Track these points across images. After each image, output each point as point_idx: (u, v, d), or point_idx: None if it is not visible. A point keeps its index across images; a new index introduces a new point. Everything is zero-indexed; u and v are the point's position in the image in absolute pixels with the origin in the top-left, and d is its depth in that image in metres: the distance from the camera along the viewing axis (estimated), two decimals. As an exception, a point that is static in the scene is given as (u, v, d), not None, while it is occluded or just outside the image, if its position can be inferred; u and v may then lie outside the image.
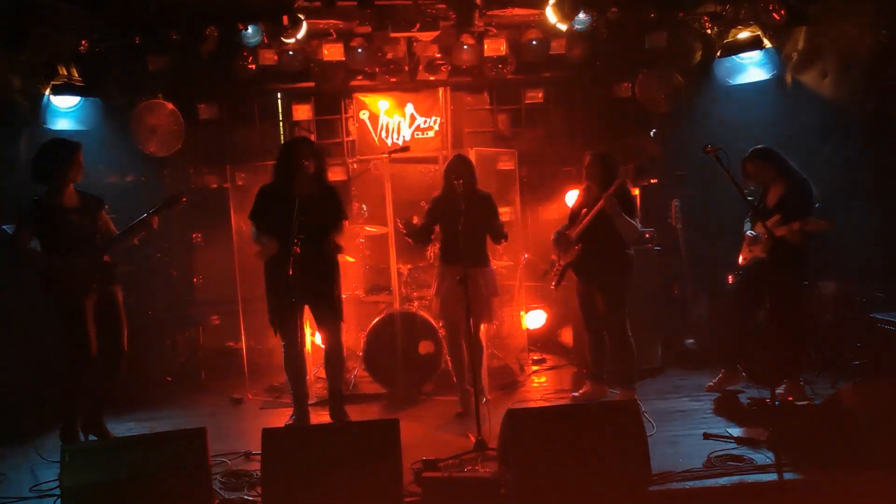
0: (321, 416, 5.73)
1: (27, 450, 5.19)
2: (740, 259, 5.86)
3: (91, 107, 6.95)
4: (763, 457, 4.49)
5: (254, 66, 7.10)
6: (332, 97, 7.89)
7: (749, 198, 5.12)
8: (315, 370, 6.38)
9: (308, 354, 6.16)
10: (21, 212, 4.92)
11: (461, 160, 5.69)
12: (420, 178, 7.58)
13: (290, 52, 7.10)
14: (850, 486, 4.13)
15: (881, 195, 6.28)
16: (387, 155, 6.56)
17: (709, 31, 7.17)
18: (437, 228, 5.80)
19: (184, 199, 5.27)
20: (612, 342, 5.73)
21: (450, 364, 5.94)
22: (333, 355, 5.47)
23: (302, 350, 5.44)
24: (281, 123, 7.98)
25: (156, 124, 7.08)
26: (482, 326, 5.80)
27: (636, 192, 7.22)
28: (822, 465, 4.28)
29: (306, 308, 5.44)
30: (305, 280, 5.03)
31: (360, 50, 7.17)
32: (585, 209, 5.69)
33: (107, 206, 5.31)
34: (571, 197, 7.15)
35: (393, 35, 6.99)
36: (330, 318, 5.39)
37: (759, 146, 5.69)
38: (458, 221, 5.23)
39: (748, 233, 5.79)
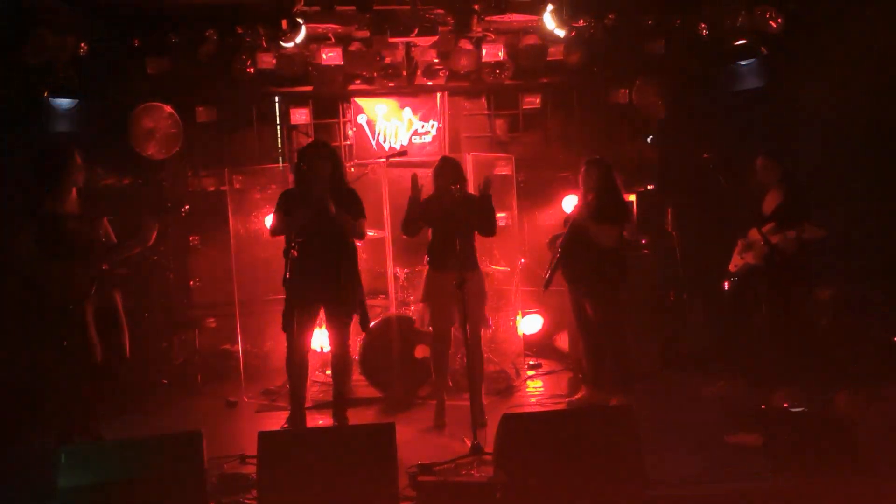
0: (317, 420, 5.72)
1: (23, 451, 5.19)
2: (731, 266, 5.89)
3: (89, 109, 6.95)
4: (759, 463, 4.50)
5: (252, 70, 7.10)
6: (330, 101, 7.91)
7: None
8: (312, 374, 6.38)
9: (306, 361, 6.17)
10: (22, 215, 4.91)
11: (453, 164, 5.61)
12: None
13: (289, 56, 7.10)
14: (846, 493, 4.14)
15: (877, 200, 6.30)
16: (384, 159, 6.58)
17: (706, 38, 7.20)
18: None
19: (185, 209, 5.28)
20: (607, 347, 5.74)
21: (433, 375, 5.83)
22: (339, 358, 5.46)
23: (305, 352, 5.41)
24: (279, 127, 7.99)
25: (154, 127, 7.09)
26: (480, 333, 5.77)
27: (631, 197, 7.25)
28: (818, 471, 4.29)
29: (321, 311, 5.43)
30: (318, 282, 5.05)
31: (357, 54, 7.19)
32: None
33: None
34: (568, 202, 7.18)
35: (391, 40, 6.99)
36: (339, 321, 5.38)
37: (771, 151, 5.74)
38: (452, 226, 5.23)
39: (740, 239, 5.82)
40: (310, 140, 7.49)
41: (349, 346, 5.50)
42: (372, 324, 6.39)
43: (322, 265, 5.16)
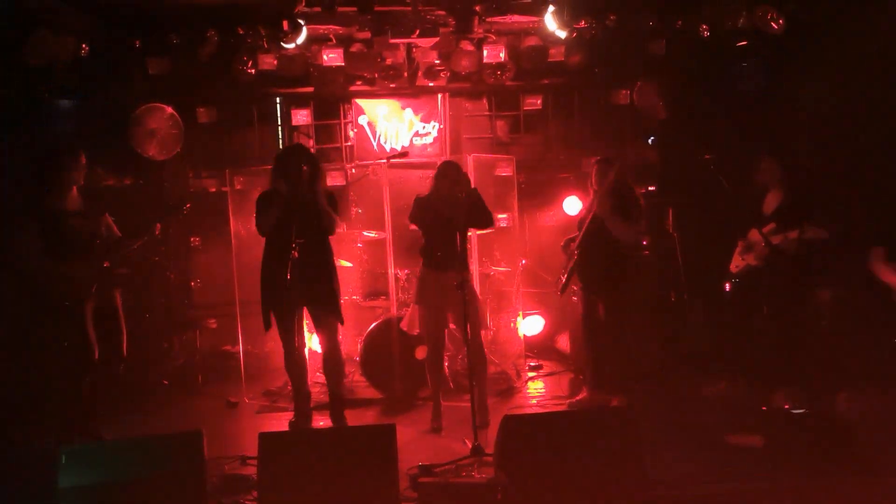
0: (318, 421, 5.72)
1: (23, 451, 5.20)
2: (732, 266, 5.88)
3: (89, 109, 6.95)
4: (759, 463, 4.50)
5: (253, 71, 7.09)
6: (332, 102, 7.90)
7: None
8: (312, 375, 6.38)
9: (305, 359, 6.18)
10: (23, 215, 4.91)
11: (457, 168, 5.57)
12: (418, 184, 7.57)
13: (290, 57, 7.10)
14: (846, 494, 4.14)
15: (878, 202, 6.30)
16: (385, 160, 6.58)
17: (707, 39, 7.19)
18: (416, 228, 5.73)
19: (187, 207, 5.30)
20: (610, 348, 5.74)
21: (428, 380, 5.78)
22: (331, 359, 5.48)
23: (302, 351, 5.46)
24: (280, 128, 7.99)
25: (155, 128, 7.09)
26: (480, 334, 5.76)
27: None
28: (818, 472, 4.30)
29: (305, 310, 5.45)
30: (302, 284, 5.05)
31: (358, 55, 7.19)
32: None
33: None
34: (569, 203, 7.18)
35: (392, 41, 7.00)
36: (327, 321, 5.40)
37: (774, 150, 5.72)
38: (453, 226, 5.23)
39: (740, 240, 5.82)
40: (310, 140, 7.52)
41: (339, 345, 5.52)
42: (373, 325, 6.41)
43: (309, 267, 5.15)
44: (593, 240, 5.61)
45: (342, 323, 5.52)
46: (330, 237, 5.40)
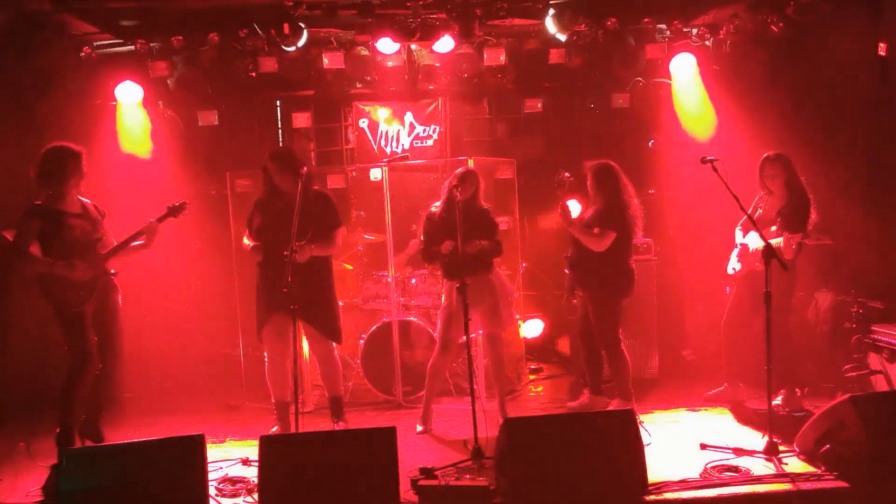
0: (319, 424, 5.73)
1: (21, 454, 5.20)
2: (730, 269, 5.87)
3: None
4: (759, 467, 4.50)
5: (254, 74, 7.09)
6: (332, 105, 7.91)
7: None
8: (312, 378, 6.39)
9: (305, 361, 6.18)
10: (22, 216, 4.90)
11: (470, 173, 5.61)
12: (419, 187, 7.59)
13: (291, 60, 7.10)
14: (846, 498, 4.14)
15: (878, 206, 6.30)
16: (385, 162, 6.58)
17: (707, 43, 7.20)
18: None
19: (187, 205, 5.31)
20: (605, 353, 5.75)
21: (426, 381, 5.75)
22: (327, 366, 5.50)
23: (286, 361, 5.29)
24: (280, 131, 7.99)
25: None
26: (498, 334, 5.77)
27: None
28: (817, 476, 4.30)
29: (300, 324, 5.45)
30: (299, 296, 5.03)
31: (359, 59, 7.20)
32: None
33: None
34: (570, 206, 7.16)
35: (394, 42, 7.01)
36: (319, 333, 5.40)
37: (779, 152, 5.71)
38: (456, 231, 5.24)
39: (739, 243, 5.81)
40: (311, 143, 7.52)
41: (334, 352, 5.51)
42: (373, 327, 6.41)
43: (302, 282, 5.08)
44: (580, 247, 5.67)
45: (339, 342, 5.53)
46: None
